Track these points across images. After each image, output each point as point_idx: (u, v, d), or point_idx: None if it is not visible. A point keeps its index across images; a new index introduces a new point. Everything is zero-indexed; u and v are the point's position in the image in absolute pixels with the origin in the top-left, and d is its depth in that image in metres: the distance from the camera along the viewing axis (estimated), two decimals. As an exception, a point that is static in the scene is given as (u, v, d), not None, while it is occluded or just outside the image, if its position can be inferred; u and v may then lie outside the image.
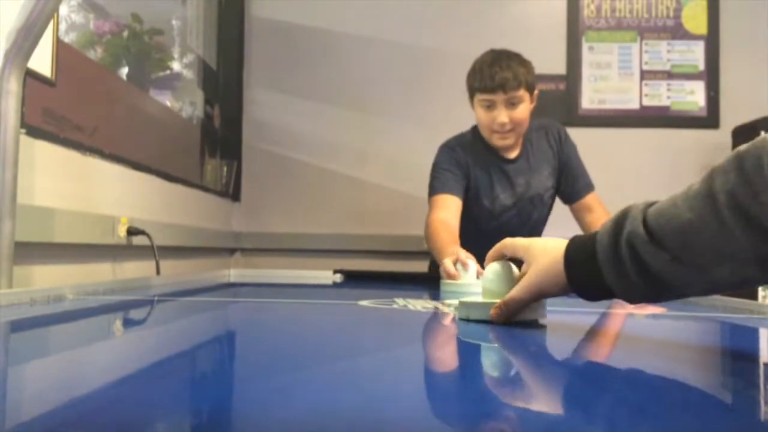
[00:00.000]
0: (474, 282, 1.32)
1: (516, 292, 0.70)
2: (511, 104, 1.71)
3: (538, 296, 0.70)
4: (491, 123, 1.73)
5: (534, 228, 1.90)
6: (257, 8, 2.97)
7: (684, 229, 0.56)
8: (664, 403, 0.42)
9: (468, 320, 0.76)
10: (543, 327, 0.73)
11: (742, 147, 0.56)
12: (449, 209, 1.72)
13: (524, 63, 1.75)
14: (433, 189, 1.78)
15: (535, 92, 1.77)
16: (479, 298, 0.78)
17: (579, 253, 0.64)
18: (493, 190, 1.82)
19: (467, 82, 1.78)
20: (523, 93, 1.71)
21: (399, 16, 2.90)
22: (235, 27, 2.88)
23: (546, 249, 0.68)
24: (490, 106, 1.72)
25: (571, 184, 1.88)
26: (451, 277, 1.35)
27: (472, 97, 1.78)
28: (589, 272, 0.63)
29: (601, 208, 1.88)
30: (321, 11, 2.93)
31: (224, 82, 2.77)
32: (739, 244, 0.53)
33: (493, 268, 0.76)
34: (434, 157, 1.84)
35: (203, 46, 2.54)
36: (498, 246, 0.77)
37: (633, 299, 0.63)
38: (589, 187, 1.90)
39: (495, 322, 0.72)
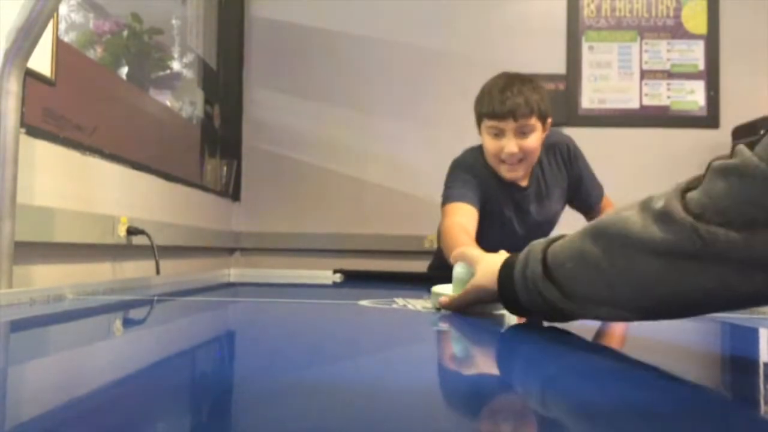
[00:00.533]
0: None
1: (462, 293, 0.86)
2: (522, 133, 1.57)
3: (478, 300, 0.84)
4: (499, 152, 1.59)
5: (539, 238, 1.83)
6: (257, 8, 2.97)
7: (570, 275, 0.65)
8: (664, 403, 0.42)
9: (437, 309, 0.91)
10: (500, 317, 0.85)
11: (605, 219, 0.64)
12: (466, 216, 1.58)
13: (538, 89, 1.61)
14: (450, 197, 1.63)
15: (548, 121, 1.63)
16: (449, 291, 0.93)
17: (505, 279, 0.76)
18: (503, 216, 1.70)
19: (475, 106, 1.65)
20: (534, 122, 1.57)
21: (399, 16, 2.90)
22: (235, 27, 2.88)
23: (488, 266, 0.81)
24: (498, 134, 1.58)
25: (585, 196, 1.80)
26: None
27: (479, 122, 1.64)
28: (512, 295, 0.74)
29: (613, 208, 1.85)
30: (321, 11, 2.93)
31: (224, 82, 2.77)
32: (609, 294, 0.61)
33: (456, 271, 0.91)
34: (447, 173, 1.71)
35: (203, 46, 2.54)
36: (456, 254, 0.93)
37: (546, 320, 0.74)
38: (601, 196, 1.83)
39: (444, 308, 0.89)
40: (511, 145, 1.56)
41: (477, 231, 1.58)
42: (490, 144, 1.60)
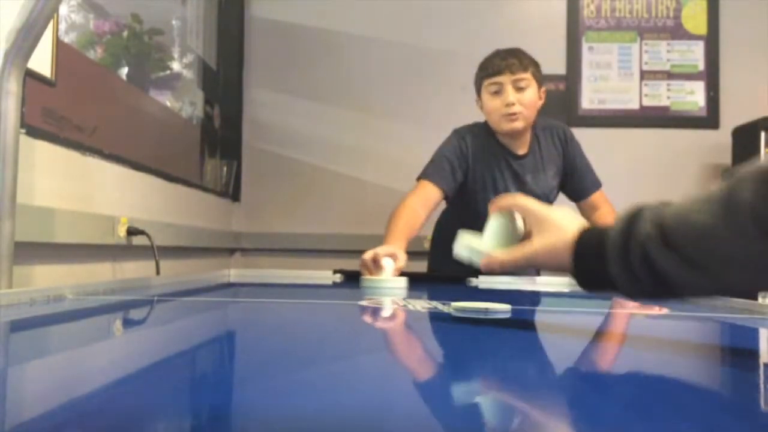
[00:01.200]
0: (390, 279, 1.41)
1: (516, 256, 0.74)
2: (519, 88, 1.73)
3: (535, 266, 0.74)
4: (500, 107, 1.74)
5: None
6: (257, 8, 2.97)
7: (702, 234, 0.56)
8: (664, 403, 0.42)
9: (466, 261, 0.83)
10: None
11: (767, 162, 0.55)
12: (425, 199, 1.74)
13: (531, 57, 1.79)
14: (425, 171, 1.79)
15: (543, 89, 1.80)
16: (484, 245, 0.81)
17: (589, 245, 0.66)
18: (498, 184, 1.81)
19: (475, 79, 1.82)
20: (529, 77, 1.74)
21: (399, 16, 2.90)
22: (235, 27, 2.88)
23: (558, 228, 0.70)
24: (498, 91, 1.74)
25: (578, 182, 1.90)
26: (367, 271, 1.45)
27: (479, 90, 1.80)
28: (597, 264, 0.64)
29: (608, 205, 1.90)
30: (321, 11, 2.93)
31: (224, 82, 2.77)
32: (756, 253, 0.53)
33: (497, 222, 0.80)
34: (445, 138, 1.86)
35: (203, 46, 2.54)
36: (510, 201, 0.80)
37: (635, 296, 0.64)
38: (596, 185, 1.92)
39: (483, 271, 0.79)
40: (509, 96, 1.72)
41: (466, 208, 1.80)
42: (490, 102, 1.76)
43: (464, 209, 1.85)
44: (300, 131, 2.92)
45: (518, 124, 1.76)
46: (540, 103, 1.80)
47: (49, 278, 1.38)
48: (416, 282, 1.78)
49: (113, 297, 1.08)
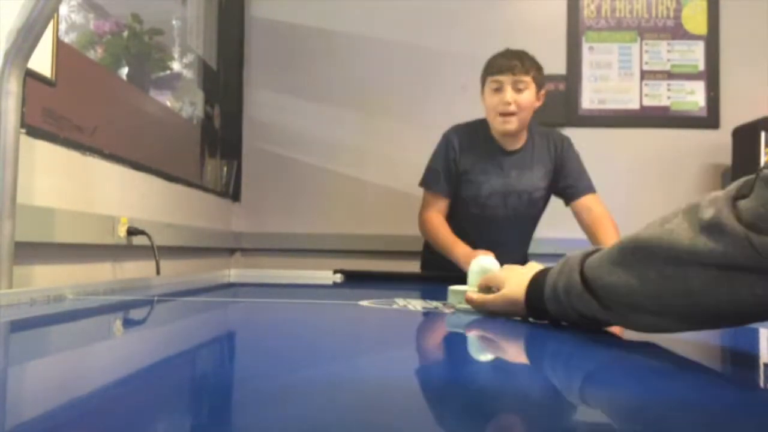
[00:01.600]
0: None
1: (492, 298, 0.86)
2: (518, 89, 1.83)
3: (505, 311, 0.84)
4: (497, 104, 1.83)
5: (520, 224, 1.98)
6: (257, 8, 2.97)
7: (611, 288, 0.64)
8: (663, 403, 0.42)
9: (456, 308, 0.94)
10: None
11: (646, 233, 0.61)
12: (441, 210, 1.94)
13: (534, 60, 1.88)
14: (429, 183, 1.96)
15: (542, 92, 1.89)
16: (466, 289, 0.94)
17: (534, 292, 0.78)
18: (484, 174, 1.91)
19: (481, 75, 1.92)
20: (529, 80, 1.83)
21: (399, 16, 2.90)
22: (235, 27, 2.88)
23: (516, 282, 0.82)
24: (498, 89, 1.84)
25: (570, 184, 1.94)
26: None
27: (483, 85, 1.90)
28: (541, 307, 0.76)
29: (601, 208, 1.92)
30: (321, 11, 2.93)
31: (224, 82, 2.77)
32: (653, 305, 0.61)
33: (479, 264, 0.95)
34: (440, 137, 1.98)
35: (203, 46, 2.54)
36: (484, 280, 0.91)
37: (570, 323, 0.75)
38: (589, 189, 1.94)
39: (471, 304, 0.89)
40: (507, 95, 1.82)
41: (459, 198, 1.94)
42: (490, 99, 1.86)
43: (456, 200, 1.94)
44: (300, 131, 2.92)
45: (511, 127, 1.85)
46: (538, 104, 1.88)
47: (49, 278, 1.38)
48: (414, 282, 1.78)
49: (113, 297, 1.08)
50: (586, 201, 1.92)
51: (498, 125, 1.86)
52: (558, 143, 1.96)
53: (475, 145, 1.92)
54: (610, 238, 1.78)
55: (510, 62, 1.83)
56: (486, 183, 1.91)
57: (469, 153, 1.92)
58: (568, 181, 1.94)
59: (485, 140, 1.92)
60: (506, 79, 1.82)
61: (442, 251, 1.88)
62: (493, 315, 0.86)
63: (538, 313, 0.78)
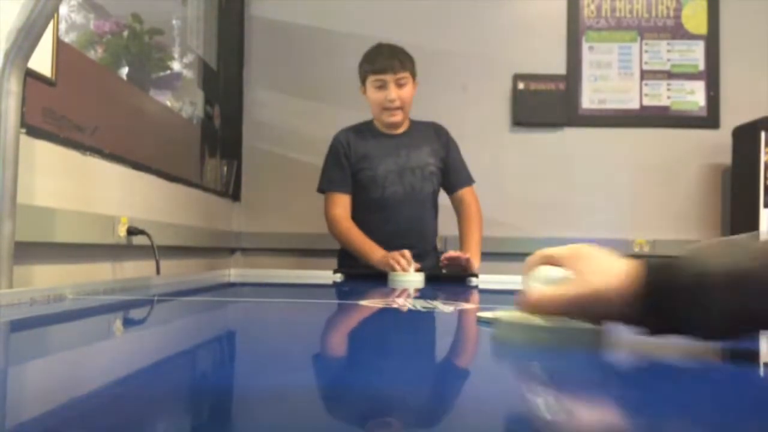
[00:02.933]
0: (416, 274, 1.70)
1: (562, 297, 0.56)
2: (400, 85, 2.01)
3: (581, 314, 0.57)
4: (383, 101, 2.02)
5: (420, 202, 2.09)
6: (257, 8, 2.97)
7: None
8: (663, 404, 0.42)
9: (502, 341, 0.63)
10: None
11: None
12: (344, 207, 2.07)
13: (408, 54, 2.06)
14: (325, 183, 2.11)
15: (416, 81, 2.08)
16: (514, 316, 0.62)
17: (672, 284, 0.54)
18: (376, 157, 2.06)
19: (361, 69, 2.08)
20: (408, 76, 2.02)
21: (399, 16, 2.90)
22: (235, 27, 2.88)
23: (602, 271, 0.56)
24: (382, 86, 2.02)
25: (453, 176, 2.13)
26: (399, 268, 1.75)
27: (364, 81, 2.07)
28: (670, 306, 0.54)
29: (475, 201, 2.13)
30: (321, 11, 2.93)
31: (224, 82, 2.77)
32: None
33: (542, 275, 0.61)
34: (331, 143, 2.13)
35: (203, 46, 2.54)
36: (537, 256, 0.63)
37: (711, 336, 0.55)
38: (468, 181, 2.15)
39: (532, 306, 0.58)
40: (392, 92, 2.01)
41: (362, 185, 2.06)
42: (375, 96, 2.04)
43: (358, 193, 2.07)
44: (300, 131, 2.92)
45: (397, 119, 2.05)
46: (414, 92, 2.08)
47: (49, 278, 1.38)
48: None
49: (113, 297, 1.08)
50: (463, 193, 2.13)
51: (385, 118, 2.05)
52: (442, 130, 2.16)
53: (364, 136, 2.10)
54: (476, 231, 2.07)
55: (391, 61, 2.00)
56: (381, 164, 2.05)
57: (360, 144, 2.08)
58: (450, 172, 2.13)
59: (372, 132, 2.11)
60: (389, 77, 2.00)
61: (357, 254, 1.98)
62: (558, 318, 0.57)
63: (665, 317, 0.54)
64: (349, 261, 2.08)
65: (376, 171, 2.05)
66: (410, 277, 1.68)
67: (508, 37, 2.87)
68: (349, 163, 2.07)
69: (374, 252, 1.91)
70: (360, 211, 2.07)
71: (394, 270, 1.75)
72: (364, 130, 2.12)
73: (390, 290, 1.44)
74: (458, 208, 2.14)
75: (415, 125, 2.14)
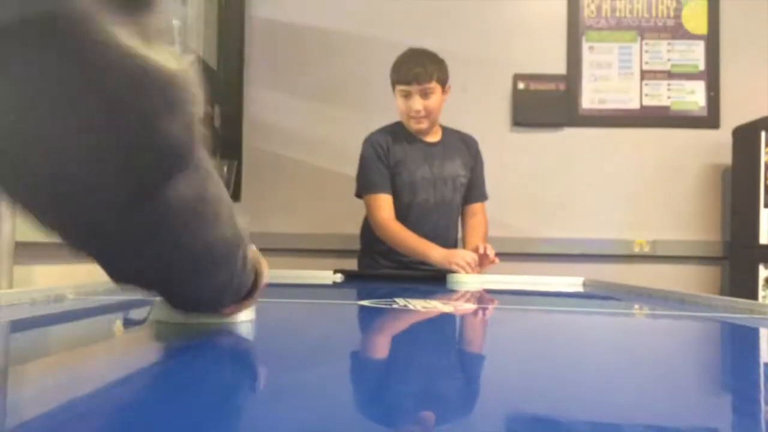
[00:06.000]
0: (480, 276, 1.75)
1: None
2: (425, 94, 2.00)
3: None
4: (409, 110, 2.02)
5: (447, 212, 2.11)
6: (257, 8, 2.97)
7: None
8: (663, 404, 0.42)
9: None
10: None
11: None
12: (390, 210, 2.05)
13: (437, 61, 2.04)
14: (369, 186, 2.08)
15: (447, 86, 2.06)
16: None
17: None
18: (413, 162, 2.07)
19: (390, 75, 2.07)
20: (434, 85, 2.00)
21: (399, 16, 2.90)
22: (235, 27, 2.88)
23: None
24: (407, 96, 2.02)
25: (471, 189, 2.15)
26: (469, 270, 1.79)
27: (394, 88, 2.06)
28: None
29: (483, 217, 2.17)
30: (321, 11, 2.93)
31: (224, 82, 2.76)
32: None
33: None
34: (361, 149, 2.12)
35: (203, 46, 2.54)
36: None
37: None
38: (483, 197, 2.19)
39: None
40: (416, 103, 2.00)
41: (393, 193, 2.06)
42: (401, 104, 2.05)
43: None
44: (300, 131, 2.91)
45: (423, 126, 2.05)
46: (445, 97, 2.06)
47: (49, 278, 1.38)
48: (414, 282, 1.78)
49: (113, 297, 1.08)
50: (477, 208, 2.16)
51: (412, 126, 2.06)
52: (473, 146, 2.17)
53: (399, 140, 2.09)
54: (482, 240, 2.06)
55: (414, 71, 1.98)
56: (417, 170, 2.06)
57: (397, 148, 2.08)
58: (470, 185, 2.15)
59: (406, 136, 2.09)
60: (413, 89, 2.00)
61: (411, 252, 1.99)
62: None
63: None
64: (369, 261, 2.11)
65: (412, 177, 2.06)
66: (472, 279, 1.73)
67: (508, 37, 2.87)
68: (388, 164, 2.08)
69: (433, 250, 1.93)
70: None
71: (458, 270, 1.79)
72: (398, 132, 2.12)
73: (390, 290, 1.44)
74: (468, 219, 2.17)
75: (447, 135, 2.15)
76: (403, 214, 2.06)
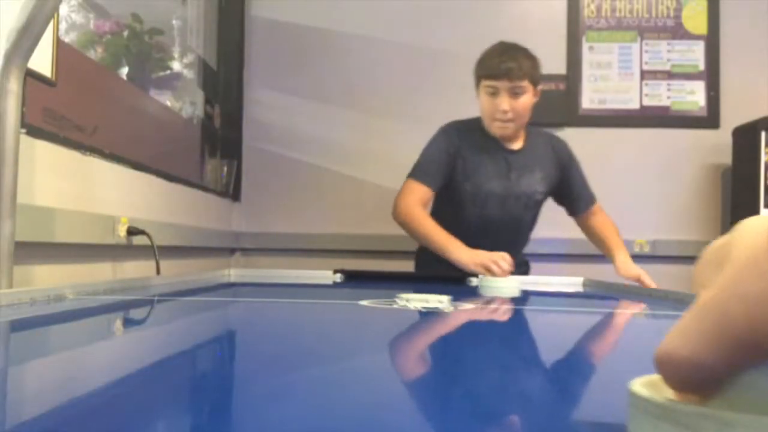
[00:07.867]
0: (511, 279, 1.55)
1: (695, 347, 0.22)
2: (515, 93, 1.77)
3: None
4: (494, 110, 1.79)
5: (516, 227, 1.92)
6: (257, 8, 2.97)
7: None
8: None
9: None
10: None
11: None
12: (421, 199, 1.84)
13: (530, 57, 1.80)
14: (416, 172, 1.87)
15: (539, 87, 1.83)
16: None
17: None
18: (484, 174, 1.86)
19: (475, 70, 1.84)
20: (526, 84, 1.77)
21: (399, 16, 2.90)
22: (235, 27, 2.88)
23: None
24: (494, 93, 1.78)
25: (576, 197, 1.96)
26: (498, 274, 1.59)
27: (478, 84, 1.84)
28: None
29: (604, 214, 1.99)
30: (321, 11, 2.93)
31: (224, 82, 2.77)
32: None
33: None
34: (434, 134, 1.92)
35: (203, 46, 2.54)
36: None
37: None
38: (593, 200, 1.99)
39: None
40: (504, 103, 1.76)
41: (449, 198, 1.87)
42: (486, 103, 1.81)
43: (449, 201, 1.89)
44: (300, 131, 2.92)
45: (508, 132, 1.83)
46: (534, 101, 1.84)
47: (49, 278, 1.38)
48: (414, 282, 1.78)
49: (113, 297, 1.08)
50: (592, 212, 1.98)
51: (494, 130, 1.83)
52: (563, 151, 1.94)
53: (476, 143, 1.86)
54: (617, 239, 1.88)
55: (506, 65, 1.74)
56: (487, 183, 1.85)
57: (470, 150, 1.86)
58: (573, 194, 1.95)
59: (485, 139, 1.87)
60: (502, 85, 1.76)
61: (430, 245, 1.80)
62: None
63: None
64: (426, 261, 1.93)
65: (480, 188, 1.85)
66: (505, 283, 1.51)
67: (508, 37, 2.86)
68: (454, 164, 1.86)
69: (456, 247, 1.72)
70: (444, 220, 1.84)
71: (490, 274, 1.61)
72: (476, 131, 1.88)
73: (391, 290, 1.44)
74: (588, 223, 1.98)
75: (532, 140, 1.91)
76: (460, 225, 1.85)
